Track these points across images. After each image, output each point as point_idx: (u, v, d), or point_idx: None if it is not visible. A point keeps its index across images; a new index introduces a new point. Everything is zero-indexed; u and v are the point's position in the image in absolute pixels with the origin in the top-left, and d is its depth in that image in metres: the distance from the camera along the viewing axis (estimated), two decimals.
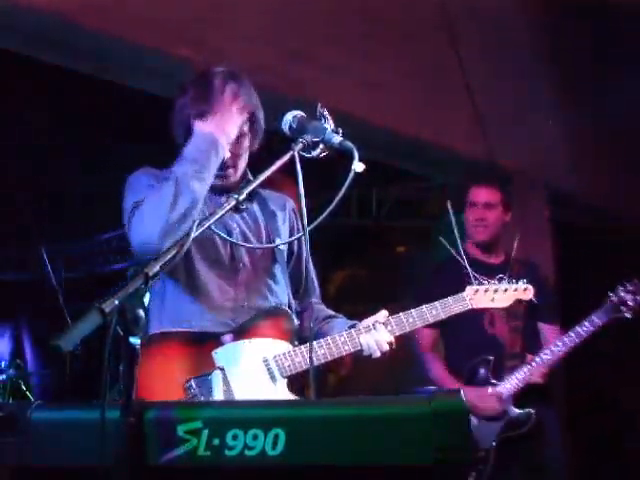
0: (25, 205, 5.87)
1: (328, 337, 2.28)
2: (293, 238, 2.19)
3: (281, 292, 2.36)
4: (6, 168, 5.07)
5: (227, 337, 2.19)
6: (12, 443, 1.35)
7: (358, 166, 1.83)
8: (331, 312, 2.50)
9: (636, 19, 4.57)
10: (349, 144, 1.89)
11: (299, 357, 2.20)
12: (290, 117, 2.02)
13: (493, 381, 3.48)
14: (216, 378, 2.12)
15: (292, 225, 2.45)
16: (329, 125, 1.99)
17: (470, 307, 2.56)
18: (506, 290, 2.70)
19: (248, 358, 2.18)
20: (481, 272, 3.55)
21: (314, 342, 2.23)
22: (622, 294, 3.42)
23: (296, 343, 2.26)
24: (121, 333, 1.28)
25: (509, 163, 5.05)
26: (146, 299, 1.43)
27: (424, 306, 2.44)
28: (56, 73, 3.76)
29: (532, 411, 3.43)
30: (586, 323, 3.42)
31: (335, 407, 1.38)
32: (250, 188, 1.79)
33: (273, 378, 2.18)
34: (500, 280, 2.74)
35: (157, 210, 2.00)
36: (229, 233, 2.23)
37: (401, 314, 2.38)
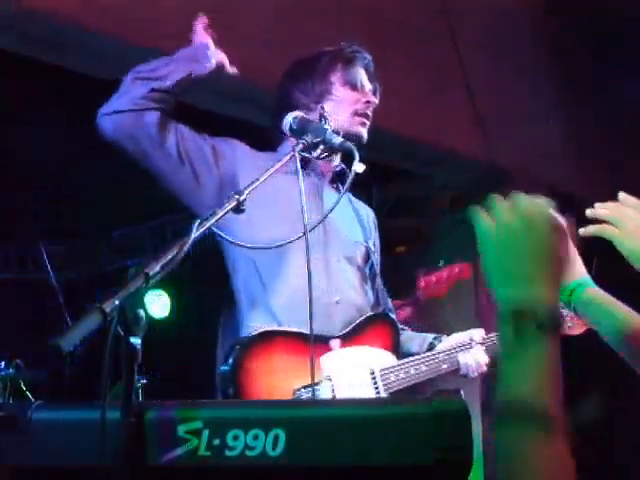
0: (25, 205, 5.87)
1: (429, 354, 2.23)
2: (292, 239, 2.17)
3: (372, 292, 2.35)
4: (6, 168, 5.07)
5: (336, 342, 2.12)
6: (12, 443, 1.35)
7: (358, 167, 1.84)
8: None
9: (636, 19, 4.57)
10: (349, 145, 1.90)
11: (403, 373, 2.15)
12: (291, 118, 2.03)
13: None
14: (324, 389, 2.05)
15: (375, 237, 2.48)
16: (329, 126, 2.00)
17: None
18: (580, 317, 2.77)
19: (356, 369, 2.11)
20: None
21: (415, 357, 2.21)
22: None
23: (400, 354, 2.22)
24: (122, 333, 1.28)
25: (509, 163, 5.05)
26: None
27: None
28: (57, 72, 3.76)
29: None
30: None
31: (336, 407, 1.38)
32: (251, 188, 1.78)
33: (378, 394, 2.12)
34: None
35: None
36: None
37: (494, 335, 2.32)
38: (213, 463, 1.30)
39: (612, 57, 4.97)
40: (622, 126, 5.12)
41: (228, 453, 1.30)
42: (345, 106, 2.31)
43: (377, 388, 2.11)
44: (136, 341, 1.29)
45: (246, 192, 1.77)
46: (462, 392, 1.33)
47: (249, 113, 4.05)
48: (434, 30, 4.63)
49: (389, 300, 2.50)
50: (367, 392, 2.09)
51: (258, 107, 3.89)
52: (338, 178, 2.38)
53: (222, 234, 1.88)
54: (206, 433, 1.31)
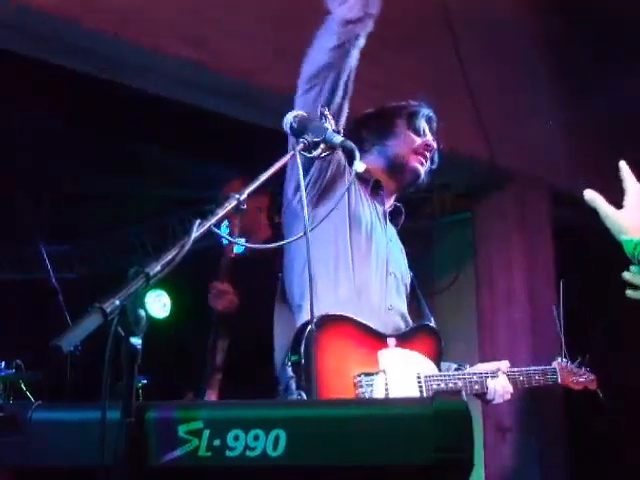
0: (25, 205, 5.87)
1: (465, 372, 2.41)
2: (293, 239, 2.18)
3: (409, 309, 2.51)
4: (6, 168, 5.07)
5: (392, 341, 2.30)
6: (12, 443, 1.35)
7: (359, 166, 1.83)
8: None
9: (636, 19, 4.57)
10: (350, 144, 1.89)
11: (443, 383, 2.29)
12: (291, 117, 2.02)
13: None
14: (379, 380, 2.19)
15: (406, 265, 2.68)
16: (330, 125, 1.99)
17: (559, 382, 2.76)
18: (581, 375, 2.88)
19: (407, 369, 2.27)
20: None
21: (455, 373, 2.40)
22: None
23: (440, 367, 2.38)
24: (122, 333, 1.28)
25: (509, 163, 5.05)
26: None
27: (531, 368, 2.62)
28: (56, 73, 3.76)
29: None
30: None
31: (336, 407, 1.38)
32: (251, 188, 1.78)
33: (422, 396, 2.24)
34: (580, 363, 2.88)
35: None
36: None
37: (515, 370, 2.54)
38: (213, 463, 1.30)
39: (612, 56, 4.96)
40: (622, 126, 5.12)
41: (228, 453, 1.30)
42: (408, 143, 2.60)
43: (422, 392, 2.25)
44: (136, 341, 1.29)
45: (246, 192, 1.76)
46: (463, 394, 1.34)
47: (250, 113, 4.05)
48: (435, 31, 4.63)
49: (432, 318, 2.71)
50: (413, 393, 2.23)
51: (258, 107, 3.89)
52: (394, 214, 2.74)
53: (222, 235, 1.88)
54: (206, 433, 1.31)
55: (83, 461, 1.32)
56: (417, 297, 2.60)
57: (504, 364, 2.50)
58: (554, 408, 5.09)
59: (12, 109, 4.51)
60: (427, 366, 2.32)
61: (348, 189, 2.38)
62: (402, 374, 2.24)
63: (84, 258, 7.65)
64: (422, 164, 2.64)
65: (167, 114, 4.21)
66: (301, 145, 1.90)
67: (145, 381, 4.10)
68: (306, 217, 1.99)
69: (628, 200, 1.79)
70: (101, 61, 3.61)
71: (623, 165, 1.92)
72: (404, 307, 2.48)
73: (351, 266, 2.34)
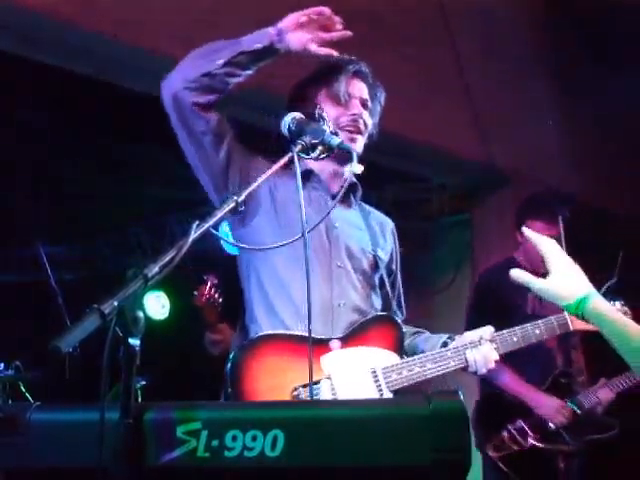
0: (25, 205, 5.87)
1: (435, 351, 2.23)
2: (291, 239, 2.15)
3: (377, 299, 2.35)
4: (6, 168, 5.07)
5: (336, 343, 2.14)
6: (12, 444, 1.35)
7: (357, 167, 1.83)
8: (413, 327, 2.48)
9: (636, 19, 4.57)
10: (348, 145, 1.90)
11: (406, 371, 2.15)
12: (289, 119, 2.02)
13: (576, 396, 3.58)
14: (324, 388, 2.06)
15: (392, 245, 2.49)
16: (328, 127, 1.99)
17: (571, 329, 2.54)
18: None
19: (356, 368, 2.12)
20: None
21: (421, 355, 2.21)
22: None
23: (403, 355, 2.22)
24: (120, 334, 1.28)
25: (508, 164, 5.05)
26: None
27: (528, 325, 2.41)
28: (56, 73, 3.76)
29: (616, 420, 3.58)
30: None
31: (334, 408, 1.38)
32: (249, 189, 1.78)
33: (380, 392, 2.12)
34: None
35: None
36: (329, 228, 2.26)
37: (505, 332, 2.35)
38: (212, 464, 1.30)
39: (612, 57, 4.97)
40: (621, 126, 5.12)
41: (227, 454, 1.30)
42: (331, 120, 2.24)
43: (379, 386, 2.11)
44: (135, 342, 1.29)
45: (244, 193, 1.77)
46: (460, 393, 1.34)
47: (249, 115, 4.05)
48: (434, 32, 4.63)
49: (402, 310, 2.53)
50: (368, 390, 2.09)
51: (257, 109, 3.89)
52: (351, 192, 2.41)
53: (220, 236, 1.88)
54: (205, 434, 1.31)
55: (82, 461, 1.33)
56: (383, 282, 2.40)
57: (487, 330, 2.30)
58: None
59: (12, 109, 4.52)
60: (385, 358, 2.16)
61: (273, 195, 2.26)
62: (351, 374, 2.09)
63: (83, 259, 7.65)
64: (353, 140, 2.30)
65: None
66: (299, 147, 1.91)
67: (144, 382, 4.10)
68: (304, 217, 2.00)
69: (551, 267, 1.80)
70: (100, 62, 3.62)
71: (528, 232, 1.90)
72: (362, 301, 2.28)
73: (283, 278, 2.19)
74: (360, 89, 2.36)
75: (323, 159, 1.99)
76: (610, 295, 3.14)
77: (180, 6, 3.53)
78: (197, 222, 1.62)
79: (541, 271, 4.01)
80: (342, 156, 2.19)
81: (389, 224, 2.52)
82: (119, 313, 1.27)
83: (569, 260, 1.81)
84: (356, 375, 2.10)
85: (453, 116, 4.74)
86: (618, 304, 2.71)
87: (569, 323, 2.53)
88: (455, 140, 4.80)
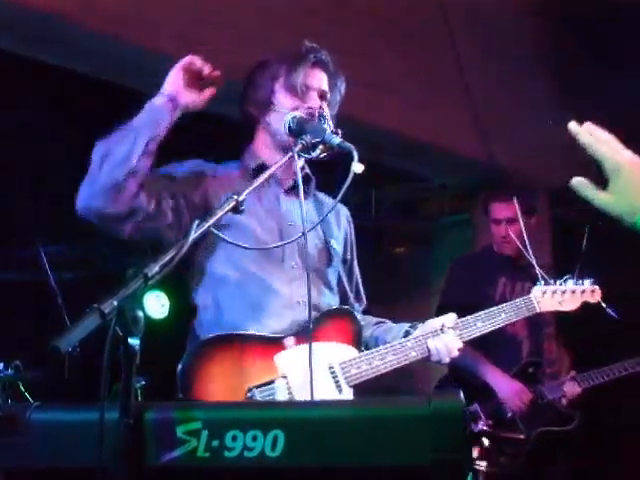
0: (25, 205, 5.87)
1: (395, 342, 2.16)
2: (291, 240, 2.14)
3: (332, 295, 2.27)
4: (6, 168, 5.06)
5: (290, 341, 2.07)
6: (11, 444, 1.35)
7: (357, 167, 1.83)
8: (375, 318, 2.41)
9: (636, 19, 4.57)
10: (348, 145, 1.88)
11: (365, 365, 2.08)
12: (289, 118, 2.02)
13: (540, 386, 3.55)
14: (280, 388, 1.99)
15: (347, 233, 2.40)
16: (328, 126, 1.99)
17: (538, 311, 2.49)
18: (574, 292, 2.56)
19: (313, 364, 1.99)
20: (512, 272, 3.68)
21: (380, 347, 2.14)
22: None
23: (362, 347, 2.15)
24: (120, 334, 1.28)
25: (509, 163, 5.05)
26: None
27: (494, 309, 2.34)
28: (56, 73, 3.76)
29: (577, 412, 3.54)
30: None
31: (334, 408, 1.38)
32: (249, 189, 1.78)
33: (339, 387, 2.06)
34: (566, 280, 2.59)
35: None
36: (284, 223, 2.19)
37: (469, 318, 2.28)
38: (212, 464, 1.30)
39: (612, 57, 4.97)
40: (622, 126, 5.11)
41: (227, 454, 1.30)
42: (283, 116, 2.15)
43: (337, 382, 2.04)
44: (135, 342, 1.29)
45: (244, 193, 1.77)
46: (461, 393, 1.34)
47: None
48: (434, 32, 4.63)
49: (360, 300, 2.44)
50: (327, 388, 2.02)
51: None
52: (305, 184, 2.26)
53: (222, 235, 1.88)
54: (205, 434, 1.31)
55: (82, 461, 1.33)
56: (339, 275, 2.32)
57: (449, 318, 2.23)
58: None
59: (12, 109, 4.51)
60: (343, 353, 2.09)
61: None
62: (308, 372, 1.97)
63: (83, 259, 7.64)
64: None
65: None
66: (300, 146, 1.90)
67: (144, 382, 4.09)
68: (304, 215, 1.99)
69: (611, 173, 1.46)
70: (101, 62, 3.62)
71: (576, 129, 1.57)
72: (320, 297, 2.20)
73: (237, 278, 2.12)
74: (319, 80, 2.24)
75: (322, 159, 1.99)
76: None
77: (181, 5, 3.53)
78: (197, 222, 1.63)
79: (519, 260, 3.92)
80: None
81: (343, 212, 2.43)
82: (119, 313, 1.27)
83: (632, 160, 1.46)
84: (314, 372, 1.99)
85: (453, 116, 4.74)
86: (588, 282, 2.62)
87: (535, 305, 2.47)
88: (455, 140, 4.80)
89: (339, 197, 1.87)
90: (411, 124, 4.53)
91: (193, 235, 1.58)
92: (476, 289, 3.69)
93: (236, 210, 1.72)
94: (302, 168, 2.23)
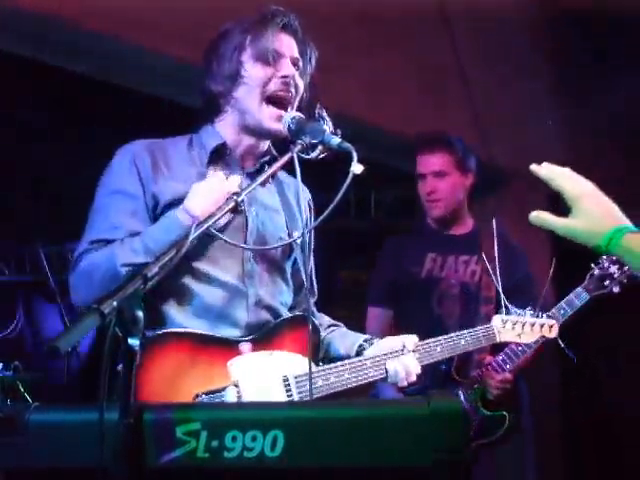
0: (25, 205, 5.87)
1: (354, 360, 2.05)
2: (291, 240, 2.11)
3: (288, 291, 2.17)
4: (6, 168, 5.07)
5: (245, 346, 1.96)
6: (11, 445, 1.35)
7: (357, 167, 1.81)
8: (329, 319, 2.31)
9: (636, 19, 4.57)
10: (348, 145, 1.87)
11: (321, 381, 1.97)
12: (288, 118, 2.01)
13: (455, 377, 3.05)
14: (229, 395, 1.89)
15: (307, 220, 2.19)
16: (328, 126, 1.98)
17: (497, 341, 2.43)
18: (533, 325, 2.51)
19: (266, 375, 1.94)
20: (444, 246, 3.32)
21: (338, 364, 2.03)
22: (606, 264, 2.95)
23: (319, 360, 2.06)
24: (119, 334, 1.28)
25: (508, 164, 5.05)
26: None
27: (453, 335, 2.27)
28: (56, 73, 3.76)
29: (506, 414, 3.03)
30: (563, 305, 2.97)
31: (334, 409, 1.38)
32: (249, 189, 1.78)
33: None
34: (525, 310, 2.52)
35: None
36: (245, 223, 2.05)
37: (430, 341, 2.20)
38: (211, 464, 1.30)
39: (612, 57, 4.97)
40: (622, 127, 5.12)
41: (226, 454, 1.30)
42: (254, 88, 1.99)
43: (290, 395, 1.94)
44: (134, 342, 1.29)
45: (244, 193, 1.77)
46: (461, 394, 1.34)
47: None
48: (433, 30, 4.63)
49: (313, 293, 2.30)
50: (278, 399, 1.91)
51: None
52: (269, 165, 2.08)
53: (220, 235, 1.88)
54: (204, 434, 1.31)
55: (81, 462, 1.33)
56: (297, 267, 2.17)
57: (410, 339, 2.12)
58: (548, 403, 5.10)
59: (12, 109, 4.52)
60: (299, 365, 1.96)
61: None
62: (261, 382, 1.91)
63: None
64: (279, 118, 2.01)
65: (167, 115, 4.21)
66: (299, 147, 1.90)
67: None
68: (304, 216, 1.99)
69: (572, 202, 1.52)
70: (101, 62, 3.62)
71: (537, 168, 1.64)
72: (277, 295, 2.10)
73: (195, 271, 1.98)
74: (289, 46, 2.05)
75: (322, 159, 1.98)
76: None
77: (181, 5, 3.53)
78: (196, 222, 1.63)
79: (451, 226, 3.59)
80: (261, 131, 2.03)
81: (305, 195, 2.23)
82: (118, 313, 1.27)
83: (591, 188, 1.53)
84: (266, 382, 1.93)
85: (453, 116, 4.74)
86: (545, 317, 2.55)
87: (496, 334, 2.41)
88: None
89: (339, 197, 1.78)
90: (411, 124, 4.53)
91: (193, 235, 1.58)
92: (403, 268, 3.34)
93: (236, 210, 1.73)
94: (267, 150, 2.14)
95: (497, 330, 2.41)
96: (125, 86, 3.87)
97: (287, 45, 2.05)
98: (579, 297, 2.99)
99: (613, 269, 2.94)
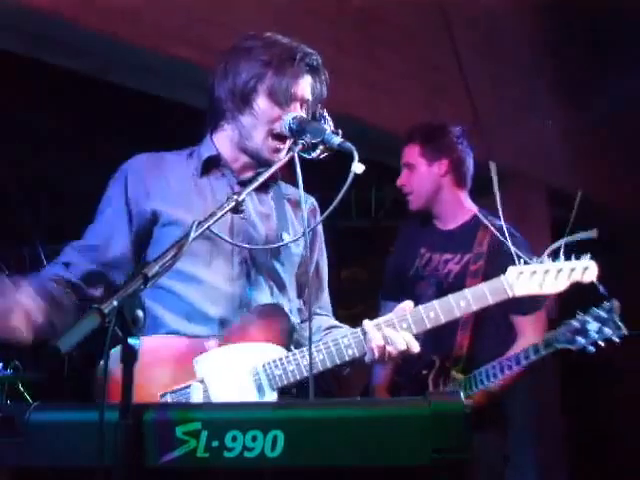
0: (25, 205, 5.87)
1: (328, 340, 1.96)
2: (292, 240, 2.11)
3: (283, 294, 2.14)
4: (6, 168, 5.07)
5: (211, 342, 1.93)
6: (11, 444, 1.35)
7: (358, 167, 1.81)
8: (337, 323, 2.24)
9: (636, 19, 4.57)
10: (349, 145, 1.86)
11: (292, 365, 1.91)
12: (289, 118, 2.01)
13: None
14: (195, 392, 1.86)
15: (310, 225, 2.13)
16: (329, 126, 1.98)
17: (511, 296, 2.00)
18: (560, 270, 2.05)
19: (233, 368, 1.90)
20: (435, 242, 3.12)
21: (296, 351, 1.94)
22: (588, 319, 2.65)
23: (292, 347, 1.99)
24: (120, 334, 1.28)
25: (508, 164, 5.05)
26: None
27: (450, 296, 1.97)
28: (56, 73, 3.76)
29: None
30: (530, 350, 2.73)
31: (334, 408, 1.38)
32: (249, 189, 1.78)
33: (261, 391, 1.91)
34: (550, 256, 2.07)
35: None
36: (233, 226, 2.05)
37: (420, 307, 1.96)
38: (212, 464, 1.30)
39: (612, 57, 4.97)
40: (622, 126, 5.12)
41: (227, 454, 1.30)
42: (262, 124, 2.03)
43: (260, 385, 1.89)
44: (135, 342, 1.29)
45: (244, 193, 1.76)
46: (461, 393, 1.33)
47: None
48: (433, 31, 4.63)
49: (325, 297, 2.28)
50: (246, 392, 1.88)
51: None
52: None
53: (220, 234, 1.88)
54: (205, 434, 1.31)
55: (82, 462, 1.33)
56: (291, 273, 2.14)
57: (402, 307, 1.97)
58: (550, 401, 5.11)
59: (12, 109, 4.52)
60: (270, 353, 1.91)
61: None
62: (228, 376, 1.88)
63: None
64: (278, 151, 2.05)
65: (167, 115, 4.22)
66: (300, 146, 1.90)
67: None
68: (305, 218, 1.99)
69: None
70: (101, 61, 3.62)
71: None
72: (271, 299, 2.07)
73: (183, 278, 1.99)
74: (305, 89, 2.08)
75: (323, 159, 1.97)
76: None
77: (180, 5, 3.53)
78: (197, 221, 1.62)
79: (438, 220, 3.33)
80: (259, 159, 2.07)
81: (308, 202, 2.23)
82: (119, 313, 1.27)
83: None
84: (233, 376, 1.89)
85: (453, 116, 4.74)
86: (582, 259, 2.09)
87: (507, 289, 2.00)
88: None
89: (340, 197, 1.78)
90: (411, 124, 4.53)
91: (193, 235, 1.58)
92: (399, 262, 3.21)
93: (236, 210, 1.72)
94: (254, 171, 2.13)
95: (510, 283, 1.99)
96: (125, 86, 3.87)
97: (303, 88, 2.07)
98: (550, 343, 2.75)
99: (593, 327, 2.66)
